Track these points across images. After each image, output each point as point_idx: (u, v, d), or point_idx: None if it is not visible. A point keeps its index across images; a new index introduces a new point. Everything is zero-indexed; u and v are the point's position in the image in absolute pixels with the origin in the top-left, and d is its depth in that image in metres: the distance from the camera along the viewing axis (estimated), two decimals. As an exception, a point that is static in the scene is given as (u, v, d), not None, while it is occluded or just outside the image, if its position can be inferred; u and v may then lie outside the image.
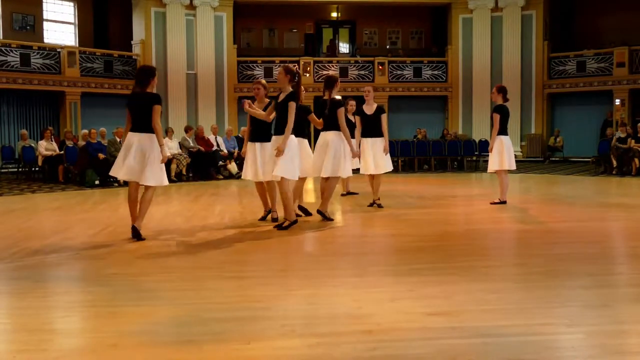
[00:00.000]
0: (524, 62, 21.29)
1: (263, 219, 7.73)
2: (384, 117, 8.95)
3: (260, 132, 7.48)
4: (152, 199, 6.62)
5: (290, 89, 7.03)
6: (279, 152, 6.78)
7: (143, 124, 6.40)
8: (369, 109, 9.02)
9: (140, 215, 6.46)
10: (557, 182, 13.91)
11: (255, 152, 7.46)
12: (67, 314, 4.13)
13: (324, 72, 21.98)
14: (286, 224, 7.02)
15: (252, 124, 7.56)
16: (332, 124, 7.67)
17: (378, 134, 8.87)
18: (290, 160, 6.89)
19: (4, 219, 8.44)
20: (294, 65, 7.74)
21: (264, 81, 7.92)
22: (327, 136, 7.70)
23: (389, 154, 8.90)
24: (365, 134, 8.95)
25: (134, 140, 6.46)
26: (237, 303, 4.15)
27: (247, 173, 7.59)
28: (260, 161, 7.40)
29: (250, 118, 7.50)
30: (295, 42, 23.97)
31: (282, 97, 7.07)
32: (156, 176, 6.43)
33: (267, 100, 7.66)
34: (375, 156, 8.82)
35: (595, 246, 6.16)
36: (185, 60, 20.56)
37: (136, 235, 6.38)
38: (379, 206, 8.83)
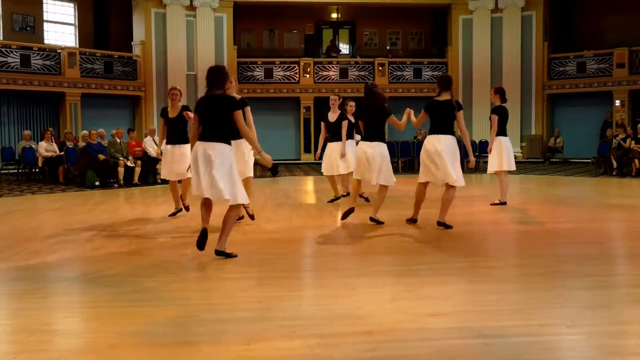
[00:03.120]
0: (524, 63, 21.29)
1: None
2: (345, 124, 9.33)
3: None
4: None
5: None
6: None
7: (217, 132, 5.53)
8: (332, 116, 9.56)
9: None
10: (557, 183, 13.91)
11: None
12: (67, 314, 4.13)
13: (324, 73, 22.00)
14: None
15: None
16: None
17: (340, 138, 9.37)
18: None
19: (4, 219, 8.45)
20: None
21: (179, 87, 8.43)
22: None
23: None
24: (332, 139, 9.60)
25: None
26: (237, 304, 4.15)
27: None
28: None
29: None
30: (295, 43, 23.98)
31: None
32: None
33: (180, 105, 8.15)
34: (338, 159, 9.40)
35: (596, 247, 6.16)
36: (185, 61, 20.56)
37: (228, 256, 5.61)
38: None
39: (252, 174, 7.69)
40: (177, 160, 8.06)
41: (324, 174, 9.92)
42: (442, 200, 7.15)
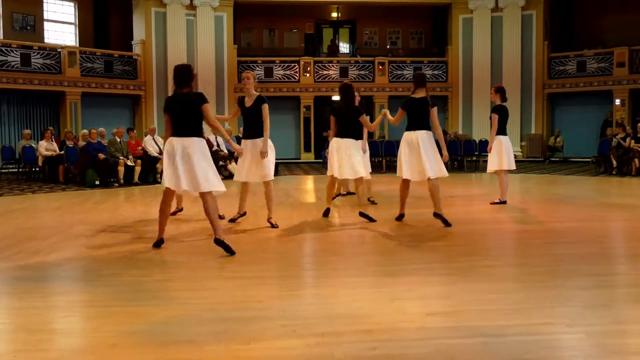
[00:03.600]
0: (524, 62, 21.29)
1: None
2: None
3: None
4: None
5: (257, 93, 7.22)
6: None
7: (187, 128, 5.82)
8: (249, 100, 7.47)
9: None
10: (557, 182, 13.91)
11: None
12: (67, 314, 4.13)
13: (324, 72, 22.00)
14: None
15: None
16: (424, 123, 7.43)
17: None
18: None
19: (5, 219, 8.45)
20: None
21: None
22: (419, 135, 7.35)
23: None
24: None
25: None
26: (237, 303, 4.15)
27: None
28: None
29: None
30: (295, 42, 23.98)
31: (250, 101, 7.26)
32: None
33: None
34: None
35: (596, 246, 6.16)
36: (185, 61, 20.43)
37: (227, 249, 5.70)
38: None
39: (272, 177, 7.36)
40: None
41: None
42: (431, 193, 7.32)
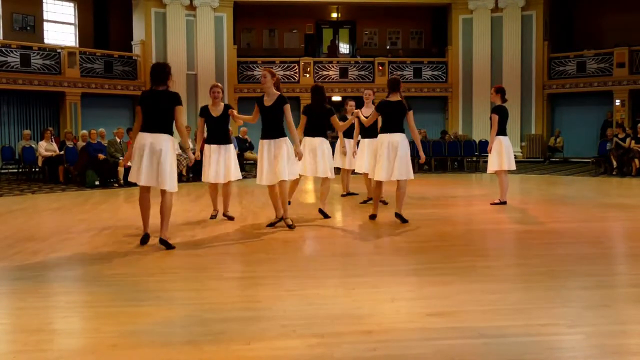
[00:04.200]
0: (524, 63, 21.29)
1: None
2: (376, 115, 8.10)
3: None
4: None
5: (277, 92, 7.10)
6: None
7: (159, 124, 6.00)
8: (367, 111, 9.03)
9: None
10: (557, 182, 13.91)
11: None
12: (67, 314, 4.13)
13: (324, 73, 21.99)
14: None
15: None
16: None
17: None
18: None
19: (4, 219, 8.44)
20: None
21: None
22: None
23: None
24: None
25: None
26: (237, 303, 4.15)
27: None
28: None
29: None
30: (295, 43, 23.98)
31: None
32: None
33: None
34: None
35: (596, 246, 6.16)
36: (185, 61, 20.56)
37: (167, 245, 6.00)
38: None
39: (297, 175, 7.40)
40: (223, 161, 7.73)
41: (358, 171, 9.56)
42: (398, 194, 7.53)
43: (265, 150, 7.09)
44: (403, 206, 7.59)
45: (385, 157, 7.44)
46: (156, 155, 5.87)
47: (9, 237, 6.84)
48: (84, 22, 21.41)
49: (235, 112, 7.87)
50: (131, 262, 5.50)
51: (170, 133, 6.03)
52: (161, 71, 6.11)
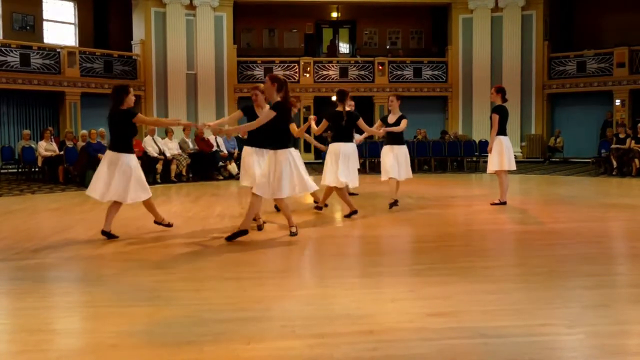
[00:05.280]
0: (524, 62, 21.29)
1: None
2: (404, 122, 8.99)
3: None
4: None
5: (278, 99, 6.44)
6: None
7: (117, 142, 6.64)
8: (392, 118, 9.03)
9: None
10: (557, 182, 13.91)
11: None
12: (67, 314, 4.13)
13: (324, 73, 21.99)
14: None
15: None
16: (349, 136, 8.27)
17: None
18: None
19: (4, 219, 8.44)
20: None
21: (262, 86, 7.08)
22: (345, 147, 8.13)
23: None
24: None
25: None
26: (237, 304, 4.15)
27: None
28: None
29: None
30: (295, 42, 23.98)
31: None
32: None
33: (267, 105, 6.88)
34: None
35: (596, 246, 6.16)
36: (185, 61, 20.56)
37: (109, 235, 6.62)
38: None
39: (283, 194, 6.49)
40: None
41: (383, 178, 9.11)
42: (340, 194, 8.11)
43: (255, 159, 7.23)
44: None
45: (338, 163, 8.01)
46: (115, 172, 6.46)
47: (9, 237, 6.84)
48: (84, 21, 21.40)
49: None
50: (131, 262, 5.50)
51: (129, 150, 6.61)
52: (117, 92, 6.64)
